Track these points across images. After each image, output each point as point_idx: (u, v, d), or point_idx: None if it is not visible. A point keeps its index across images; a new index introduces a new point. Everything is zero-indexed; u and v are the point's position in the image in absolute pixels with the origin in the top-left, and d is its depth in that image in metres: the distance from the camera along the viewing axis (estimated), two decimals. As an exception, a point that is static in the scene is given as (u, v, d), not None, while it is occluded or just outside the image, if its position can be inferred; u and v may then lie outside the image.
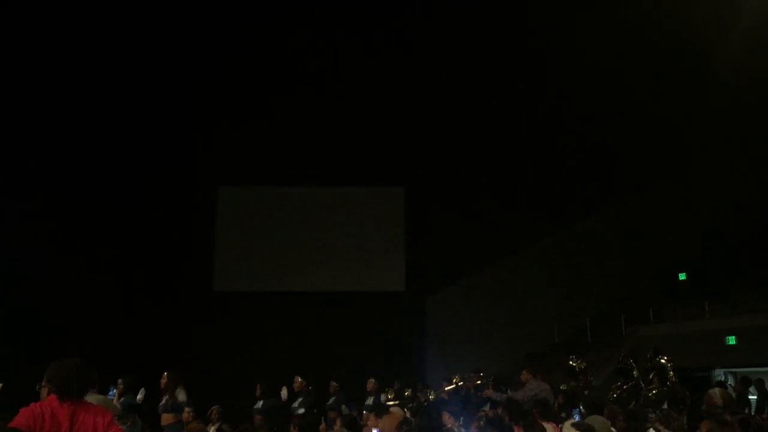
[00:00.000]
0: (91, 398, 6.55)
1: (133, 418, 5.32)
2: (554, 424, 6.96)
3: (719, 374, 14.77)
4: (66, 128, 14.64)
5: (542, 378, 9.89)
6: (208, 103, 15.94)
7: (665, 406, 8.75)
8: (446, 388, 11.26)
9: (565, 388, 10.92)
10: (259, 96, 16.18)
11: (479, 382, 10.97)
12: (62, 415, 3.74)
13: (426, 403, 10.61)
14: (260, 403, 10.39)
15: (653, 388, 9.42)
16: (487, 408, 9.45)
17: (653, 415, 6.76)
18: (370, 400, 10.98)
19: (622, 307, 17.54)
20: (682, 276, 18.48)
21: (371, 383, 11.40)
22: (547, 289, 18.30)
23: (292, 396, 10.72)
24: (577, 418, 7.47)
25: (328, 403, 11.07)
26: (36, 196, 14.55)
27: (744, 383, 11.99)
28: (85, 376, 3.94)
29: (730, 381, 15.17)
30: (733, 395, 11.25)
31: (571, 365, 11.29)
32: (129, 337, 14.53)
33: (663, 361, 9.76)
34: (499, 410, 7.83)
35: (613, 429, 6.75)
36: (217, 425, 9.00)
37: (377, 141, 16.24)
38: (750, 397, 12.72)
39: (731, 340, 14.83)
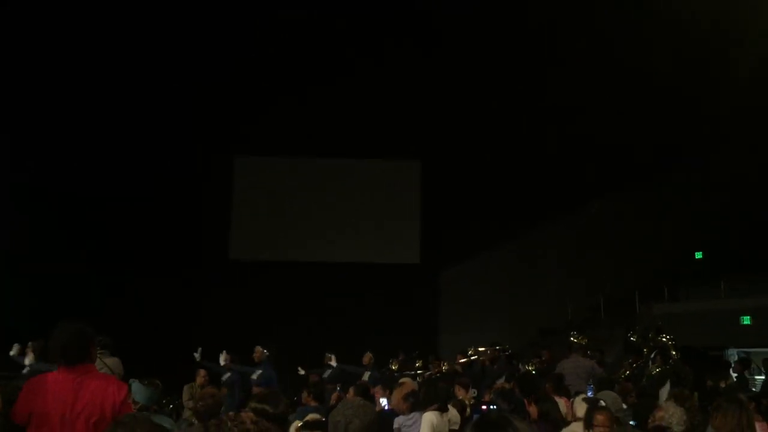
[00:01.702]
0: (109, 360, 6.66)
1: (156, 383, 5.36)
2: (566, 399, 6.99)
3: (732, 354, 14.74)
4: (83, 99, 14.67)
5: (585, 354, 9.77)
6: (225, 74, 15.91)
7: (668, 384, 8.86)
8: (460, 361, 11.29)
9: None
10: (276, 67, 16.11)
11: (497, 355, 11.01)
12: (67, 388, 3.57)
13: (438, 375, 10.64)
14: (228, 376, 10.15)
15: (656, 367, 9.55)
16: (502, 381, 9.48)
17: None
18: (366, 375, 10.82)
19: (636, 285, 17.47)
20: (698, 255, 18.36)
21: (368, 357, 11.21)
22: (561, 266, 18.26)
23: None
24: (590, 394, 7.48)
25: (324, 376, 10.92)
26: (53, 167, 14.67)
27: (743, 364, 12.09)
28: (85, 340, 3.76)
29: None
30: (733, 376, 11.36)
31: (572, 341, 11.39)
32: (144, 304, 14.69)
33: (665, 339, 9.88)
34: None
35: (624, 405, 6.77)
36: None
37: (394, 113, 16.15)
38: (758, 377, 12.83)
39: (746, 319, 14.78)
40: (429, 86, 15.90)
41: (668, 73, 15.70)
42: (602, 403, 5.19)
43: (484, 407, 5.32)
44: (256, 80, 16.10)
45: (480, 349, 11.43)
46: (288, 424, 5.43)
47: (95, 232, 15.34)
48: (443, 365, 11.36)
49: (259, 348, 10.29)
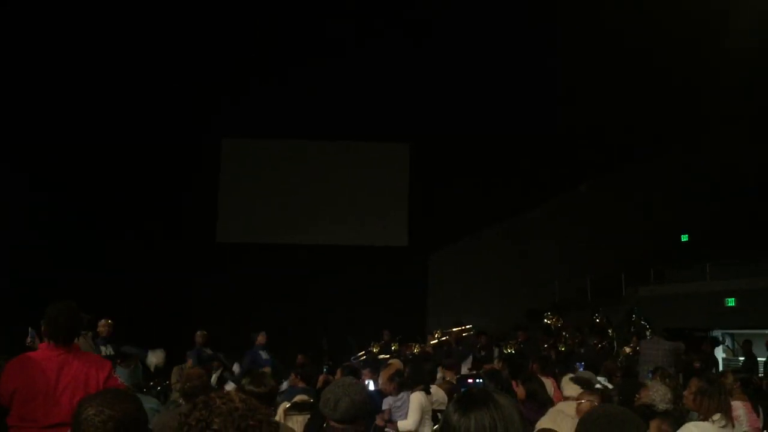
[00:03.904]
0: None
1: (135, 362, 5.31)
2: (553, 380, 7.06)
3: (717, 335, 14.92)
4: (69, 79, 14.49)
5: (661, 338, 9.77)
6: (214, 55, 15.77)
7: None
8: (430, 343, 11.44)
9: (563, 348, 11.16)
10: (264, 49, 15.98)
11: (465, 334, 11.16)
12: (50, 366, 3.56)
13: (411, 357, 10.74)
14: None
15: (634, 347, 9.89)
16: (469, 361, 9.64)
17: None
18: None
19: (623, 267, 17.59)
20: (684, 237, 18.50)
21: (262, 336, 10.73)
22: (548, 248, 18.34)
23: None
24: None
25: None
26: (38, 148, 14.51)
27: (712, 343, 12.45)
28: (75, 319, 3.79)
29: (728, 342, 15.41)
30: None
31: (547, 323, 11.56)
32: (131, 287, 14.63)
33: (642, 322, 10.27)
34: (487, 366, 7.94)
35: (609, 385, 6.86)
36: (217, 373, 9.13)
37: (383, 96, 16.09)
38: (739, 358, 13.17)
39: (731, 301, 14.92)
40: (418, 68, 15.83)
41: (656, 54, 15.71)
42: (599, 386, 5.27)
43: (470, 380, 5.38)
44: (244, 61, 15.97)
45: (446, 330, 11.61)
46: (276, 404, 5.45)
47: (81, 214, 15.23)
48: (414, 347, 11.47)
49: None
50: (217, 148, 17.95)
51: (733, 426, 4.21)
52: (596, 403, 4.52)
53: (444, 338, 11.41)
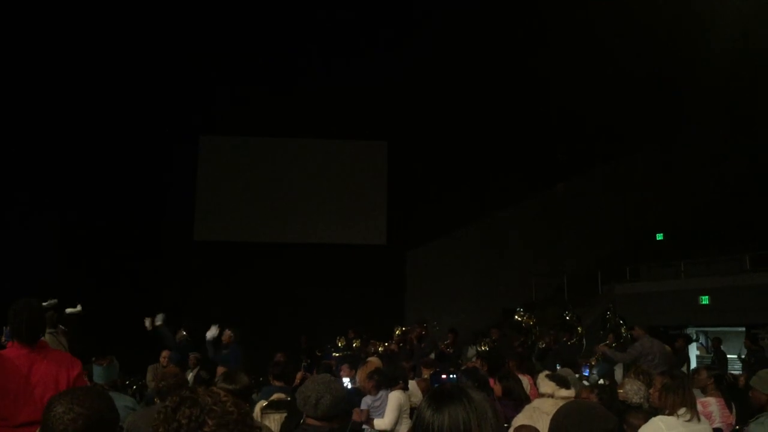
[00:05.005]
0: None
1: (110, 359, 5.21)
2: (529, 377, 7.10)
3: (692, 332, 15.11)
4: (45, 76, 14.32)
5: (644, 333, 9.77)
6: (191, 52, 15.65)
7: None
8: (395, 341, 11.45)
9: (543, 345, 11.22)
10: (243, 46, 15.91)
11: (423, 333, 11.19)
12: (21, 364, 3.51)
13: (375, 355, 10.75)
14: None
15: (610, 344, 10.07)
16: (432, 357, 9.69)
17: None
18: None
19: (599, 265, 17.72)
20: (659, 236, 18.68)
21: (227, 335, 10.46)
22: (525, 246, 18.42)
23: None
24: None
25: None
26: (14, 147, 14.32)
27: (685, 340, 12.69)
28: (36, 317, 3.72)
29: (702, 339, 15.62)
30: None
31: (518, 320, 11.61)
32: (108, 286, 14.49)
33: (618, 320, 10.45)
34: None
35: (586, 382, 6.92)
36: (194, 371, 9.07)
37: (361, 94, 16.07)
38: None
39: (705, 299, 15.10)
40: (396, 67, 15.83)
41: (633, 55, 15.86)
42: (585, 383, 5.33)
43: (444, 376, 5.39)
44: (222, 58, 15.88)
45: (407, 328, 11.65)
46: (253, 402, 5.42)
47: (57, 213, 15.04)
48: (379, 346, 11.48)
49: (227, 331, 9.97)
50: (194, 145, 17.79)
51: (699, 420, 4.28)
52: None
53: (401, 335, 11.45)
